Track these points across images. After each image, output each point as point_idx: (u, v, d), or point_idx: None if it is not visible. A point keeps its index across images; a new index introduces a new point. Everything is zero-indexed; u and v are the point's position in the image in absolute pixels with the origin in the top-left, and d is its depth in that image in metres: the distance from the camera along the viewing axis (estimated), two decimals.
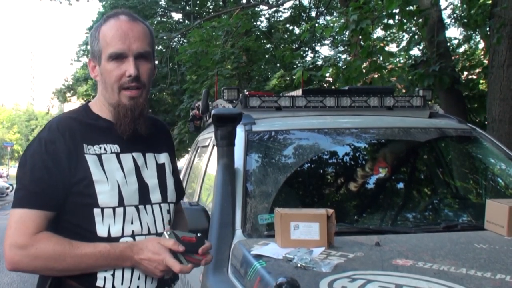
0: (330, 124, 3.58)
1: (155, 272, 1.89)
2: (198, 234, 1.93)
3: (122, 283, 1.92)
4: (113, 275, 1.90)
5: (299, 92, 4.04)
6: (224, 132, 3.07)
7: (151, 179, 2.03)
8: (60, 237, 1.84)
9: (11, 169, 53.51)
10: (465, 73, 9.78)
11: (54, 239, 1.83)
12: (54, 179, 1.85)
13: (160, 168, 2.09)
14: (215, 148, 3.21)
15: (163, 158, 2.12)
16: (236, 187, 2.99)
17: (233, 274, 2.53)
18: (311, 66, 13.10)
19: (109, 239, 1.89)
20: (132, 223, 1.94)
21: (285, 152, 3.44)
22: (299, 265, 2.28)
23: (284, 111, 3.79)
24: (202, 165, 4.07)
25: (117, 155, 1.96)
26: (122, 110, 1.94)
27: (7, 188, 29.81)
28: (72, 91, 21.25)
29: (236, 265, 2.54)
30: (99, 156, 1.92)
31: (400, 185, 3.64)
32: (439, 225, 2.98)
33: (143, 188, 1.99)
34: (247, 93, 4.06)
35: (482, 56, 10.64)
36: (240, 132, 3.34)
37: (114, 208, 1.90)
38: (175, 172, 2.19)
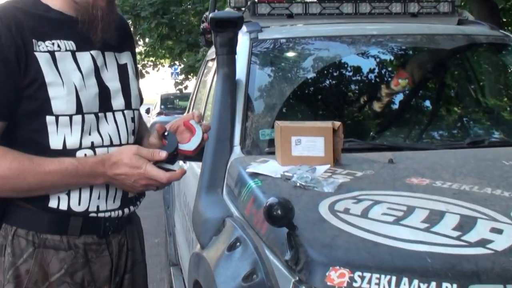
0: (346, 31, 3.21)
1: (135, 187, 1.64)
2: (166, 133, 1.69)
3: (79, 204, 1.65)
4: (68, 194, 1.63)
5: None
6: (223, 39, 2.74)
7: (113, 81, 1.72)
8: (18, 152, 1.56)
9: None
10: None
11: (10, 155, 1.55)
12: (3, 81, 1.55)
13: (122, 69, 1.77)
14: None
15: (125, 57, 1.80)
16: (237, 99, 2.69)
17: (228, 195, 2.27)
18: None
19: (64, 152, 1.60)
20: (90, 133, 1.64)
21: (293, 62, 3.11)
22: (298, 184, 1.99)
23: (296, 19, 3.43)
24: (208, 79, 3.77)
25: (73, 53, 1.64)
26: (99, 12, 1.62)
27: None
28: None
29: (231, 185, 2.27)
30: (52, 54, 1.60)
31: (422, 99, 3.30)
32: (464, 140, 2.65)
33: (104, 93, 1.69)
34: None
35: None
36: (244, 40, 3.01)
37: (71, 116, 1.60)
38: (136, 74, 1.88)
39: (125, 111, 1.74)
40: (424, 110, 3.13)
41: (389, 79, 3.14)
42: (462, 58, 3.42)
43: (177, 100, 19.63)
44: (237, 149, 2.50)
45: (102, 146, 1.66)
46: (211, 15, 2.78)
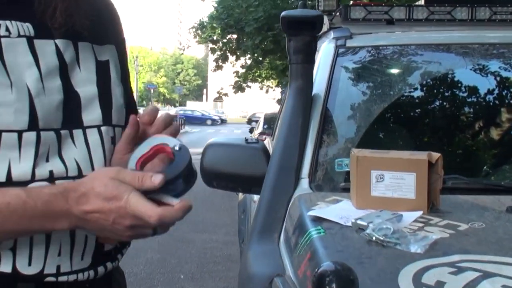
0: (456, 39, 2.60)
1: (121, 233, 1.06)
2: (177, 147, 1.07)
3: (30, 263, 1.10)
4: (13, 250, 1.09)
5: (420, 2, 3.09)
6: (298, 44, 2.22)
7: (87, 85, 1.18)
8: None
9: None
10: None
11: None
12: None
13: (102, 68, 1.22)
14: None
15: (108, 52, 1.26)
16: (311, 119, 2.15)
17: (285, 243, 1.73)
18: None
19: (10, 185, 1.07)
20: (48, 159, 1.11)
21: (387, 76, 2.53)
22: (374, 238, 1.42)
23: (397, 25, 2.85)
24: None
25: (30, 40, 1.11)
26: None
27: None
28: (200, 31, 20.78)
29: (289, 231, 1.74)
30: None
31: None
32: None
33: (72, 101, 1.15)
34: (351, 3, 3.14)
35: None
36: (329, 48, 2.49)
37: (20, 133, 1.06)
38: (125, 76, 1.32)
39: (103, 128, 1.20)
40: None
41: None
42: None
43: None
44: (304, 182, 1.96)
45: (66, 177, 1.13)
46: (282, 13, 2.26)
